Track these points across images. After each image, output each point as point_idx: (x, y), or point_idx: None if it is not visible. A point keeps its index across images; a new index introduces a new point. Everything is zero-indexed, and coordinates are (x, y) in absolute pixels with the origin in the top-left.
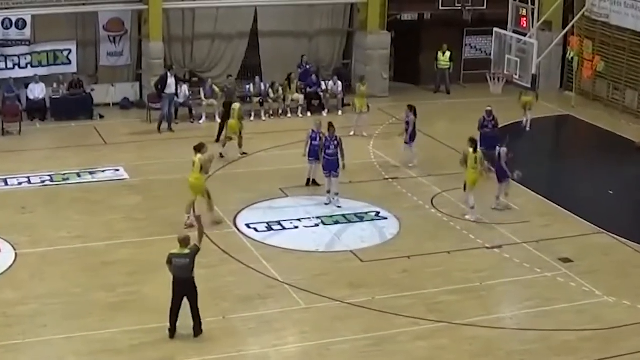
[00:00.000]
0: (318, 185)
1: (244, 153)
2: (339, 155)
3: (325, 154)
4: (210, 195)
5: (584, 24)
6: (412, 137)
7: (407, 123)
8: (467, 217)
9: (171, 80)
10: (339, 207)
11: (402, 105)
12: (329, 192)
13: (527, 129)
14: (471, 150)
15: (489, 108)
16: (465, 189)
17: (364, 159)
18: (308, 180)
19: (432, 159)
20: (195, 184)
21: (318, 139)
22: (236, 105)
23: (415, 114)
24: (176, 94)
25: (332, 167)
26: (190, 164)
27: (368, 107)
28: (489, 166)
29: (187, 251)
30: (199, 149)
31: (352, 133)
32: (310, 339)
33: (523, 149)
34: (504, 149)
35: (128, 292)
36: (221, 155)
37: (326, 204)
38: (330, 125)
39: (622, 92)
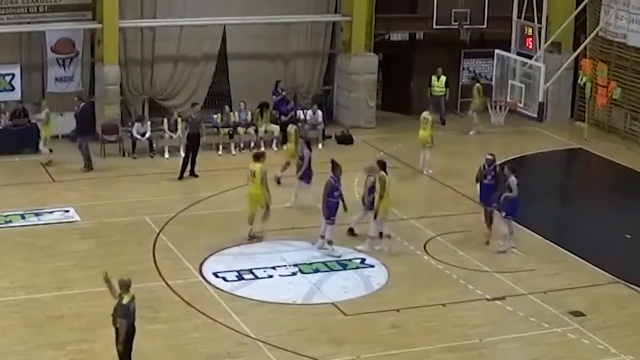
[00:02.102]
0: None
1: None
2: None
3: (333, 197)
4: (269, 205)
5: (597, 45)
6: (306, 176)
7: (302, 158)
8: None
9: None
10: (325, 249)
11: (390, 138)
12: (323, 236)
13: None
14: (384, 173)
15: (490, 156)
16: (375, 217)
17: (347, 197)
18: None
19: (425, 199)
20: (258, 194)
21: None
22: (292, 128)
23: (309, 147)
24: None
25: (335, 211)
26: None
27: (432, 139)
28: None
29: (132, 293)
30: (258, 157)
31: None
32: None
33: (528, 186)
34: (513, 179)
35: (79, 349)
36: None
37: (325, 250)
38: (336, 163)
39: None
